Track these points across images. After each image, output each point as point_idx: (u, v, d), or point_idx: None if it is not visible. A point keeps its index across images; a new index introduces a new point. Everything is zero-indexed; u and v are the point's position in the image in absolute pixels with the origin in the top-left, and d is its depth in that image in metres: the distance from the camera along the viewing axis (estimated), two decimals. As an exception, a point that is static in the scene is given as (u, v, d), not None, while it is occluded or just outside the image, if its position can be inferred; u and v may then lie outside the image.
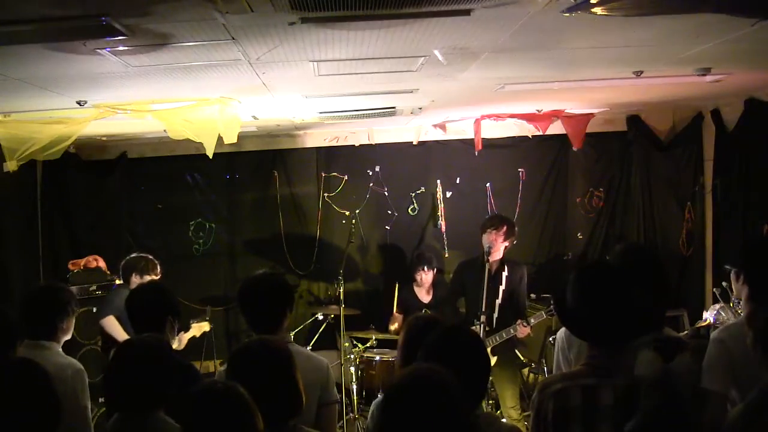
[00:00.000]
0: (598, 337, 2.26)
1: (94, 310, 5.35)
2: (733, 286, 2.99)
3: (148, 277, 4.83)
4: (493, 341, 5.08)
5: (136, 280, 4.81)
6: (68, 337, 3.29)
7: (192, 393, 1.96)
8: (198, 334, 5.39)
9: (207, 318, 5.52)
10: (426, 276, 5.91)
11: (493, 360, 5.16)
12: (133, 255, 5.06)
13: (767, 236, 3.19)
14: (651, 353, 1.84)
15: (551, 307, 5.01)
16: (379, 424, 1.84)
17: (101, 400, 4.53)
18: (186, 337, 5.20)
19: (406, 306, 5.94)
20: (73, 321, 3.30)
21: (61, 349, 3.19)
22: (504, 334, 5.06)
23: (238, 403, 1.94)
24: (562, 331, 3.03)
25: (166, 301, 3.18)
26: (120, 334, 4.69)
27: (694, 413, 2.67)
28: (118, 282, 5.37)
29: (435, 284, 6.03)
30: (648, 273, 2.84)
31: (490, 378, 5.20)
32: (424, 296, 6.00)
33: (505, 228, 5.17)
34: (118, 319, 4.72)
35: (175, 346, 4.85)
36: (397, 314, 5.99)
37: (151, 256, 5.00)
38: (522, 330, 5.03)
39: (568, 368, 2.89)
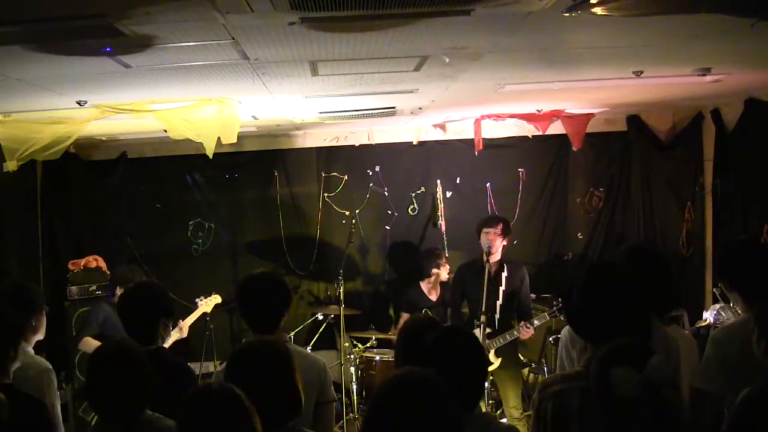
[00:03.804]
0: (601, 337, 2.25)
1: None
2: (729, 297, 3.01)
3: None
4: (496, 343, 5.09)
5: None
6: (40, 336, 3.28)
7: (187, 395, 1.96)
8: (209, 310, 5.39)
9: (214, 293, 5.53)
10: (445, 268, 5.93)
11: (497, 362, 5.17)
12: (123, 267, 5.05)
13: (737, 240, 3.22)
14: (623, 370, 1.83)
15: (554, 308, 5.02)
16: (362, 427, 1.84)
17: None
18: (193, 317, 5.20)
19: (413, 305, 5.93)
20: (44, 319, 3.29)
21: (30, 349, 3.18)
22: (508, 336, 5.07)
23: (234, 405, 1.93)
24: (566, 329, 3.03)
25: (159, 302, 3.17)
26: None
27: (693, 414, 2.68)
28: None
29: (441, 283, 6.04)
30: (652, 273, 2.84)
31: (492, 378, 5.23)
32: (430, 295, 6.00)
33: (501, 226, 5.19)
34: (99, 336, 4.69)
35: (176, 336, 4.88)
36: (405, 315, 5.98)
37: (136, 268, 5.03)
38: (525, 332, 5.04)
39: (571, 365, 2.89)
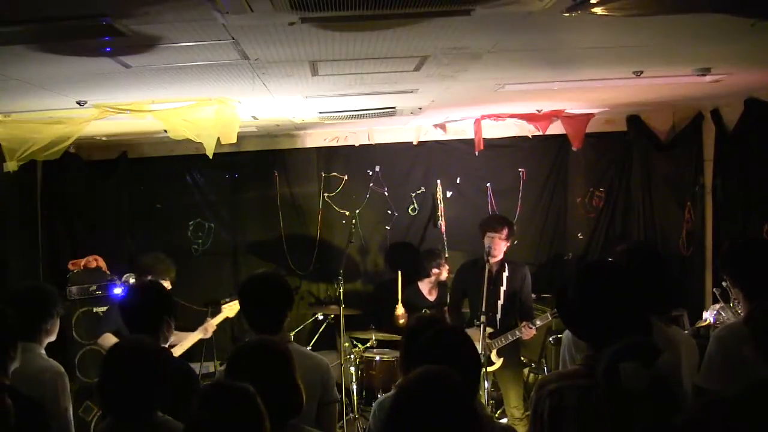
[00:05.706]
0: (597, 337, 2.25)
1: (95, 310, 5.35)
2: (731, 293, 3.02)
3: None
4: (498, 343, 5.09)
5: None
6: (52, 338, 3.26)
7: (199, 393, 1.95)
8: (232, 315, 5.34)
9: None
10: (445, 268, 5.94)
11: (499, 362, 5.17)
12: (149, 255, 5.01)
13: (746, 237, 3.23)
14: (632, 364, 1.84)
15: (555, 308, 5.02)
16: (386, 424, 1.84)
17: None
18: (218, 319, 5.19)
19: (410, 304, 5.93)
20: (58, 322, 3.27)
21: (43, 351, 3.16)
22: (510, 336, 5.07)
23: (246, 403, 1.93)
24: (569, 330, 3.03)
25: (162, 301, 3.17)
26: None
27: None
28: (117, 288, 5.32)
29: (439, 283, 6.04)
30: (650, 272, 2.84)
31: (494, 378, 5.23)
32: (429, 295, 6.00)
33: (506, 232, 5.18)
34: (116, 333, 4.64)
35: (199, 336, 4.90)
36: (400, 308, 5.98)
37: (165, 257, 4.96)
38: (527, 332, 5.04)
39: (573, 366, 2.89)
